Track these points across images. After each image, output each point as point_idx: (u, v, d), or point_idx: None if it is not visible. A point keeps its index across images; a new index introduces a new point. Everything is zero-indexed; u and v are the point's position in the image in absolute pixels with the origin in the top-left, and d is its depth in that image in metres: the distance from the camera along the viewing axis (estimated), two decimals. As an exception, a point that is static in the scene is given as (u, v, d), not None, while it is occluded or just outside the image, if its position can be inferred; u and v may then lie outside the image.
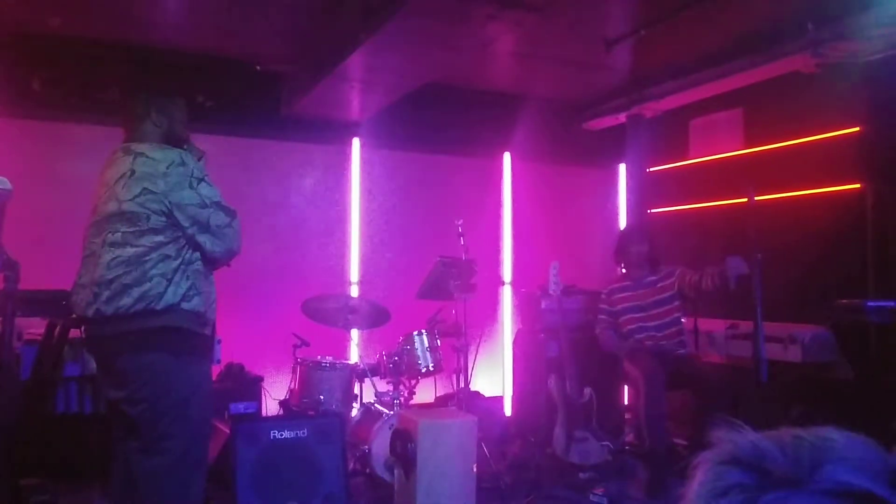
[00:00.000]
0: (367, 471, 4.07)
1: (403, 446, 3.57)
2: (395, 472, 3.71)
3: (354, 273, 5.76)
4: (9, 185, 2.81)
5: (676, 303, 4.58)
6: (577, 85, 5.91)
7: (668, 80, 5.39)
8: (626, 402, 5.47)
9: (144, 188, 2.61)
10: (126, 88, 4.23)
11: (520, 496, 4.01)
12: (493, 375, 6.03)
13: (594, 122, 6.36)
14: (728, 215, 5.29)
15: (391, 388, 4.45)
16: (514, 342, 5.77)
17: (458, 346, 4.41)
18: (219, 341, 4.47)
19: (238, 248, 2.81)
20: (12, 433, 3.18)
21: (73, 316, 2.80)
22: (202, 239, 2.68)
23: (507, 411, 5.80)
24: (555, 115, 6.28)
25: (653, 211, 6.32)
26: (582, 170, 6.67)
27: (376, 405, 4.35)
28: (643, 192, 6.39)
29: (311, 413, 4.15)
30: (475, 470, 3.67)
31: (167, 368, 2.62)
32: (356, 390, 4.59)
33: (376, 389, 4.47)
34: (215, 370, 4.50)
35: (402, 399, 4.38)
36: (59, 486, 3.72)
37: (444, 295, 4.51)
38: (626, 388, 5.34)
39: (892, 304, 3.80)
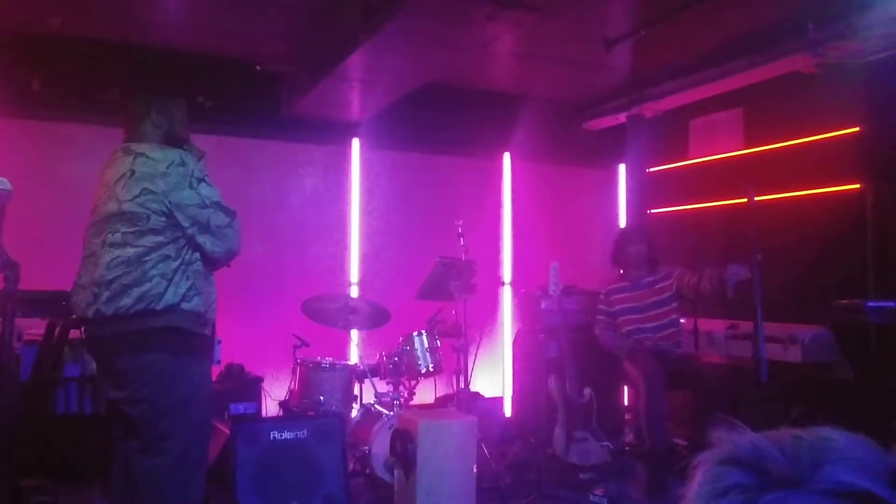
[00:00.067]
0: (367, 471, 4.07)
1: (403, 447, 3.57)
2: (395, 472, 3.71)
3: (354, 273, 5.76)
4: (9, 186, 2.81)
5: (674, 304, 4.58)
6: (577, 85, 5.91)
7: (668, 80, 5.39)
8: (625, 403, 5.47)
9: (144, 188, 2.61)
10: (126, 88, 4.24)
11: (520, 496, 4.01)
12: (493, 376, 6.02)
13: (594, 123, 6.36)
14: (728, 215, 5.29)
15: (391, 388, 4.45)
16: (514, 342, 5.77)
17: (457, 346, 4.41)
18: (219, 342, 4.47)
19: (238, 248, 2.81)
20: (12, 433, 3.19)
21: (73, 316, 2.80)
22: (202, 239, 2.68)
23: (507, 412, 5.80)
24: (555, 116, 6.28)
25: (653, 211, 6.32)
26: (582, 170, 6.67)
27: (376, 406, 4.35)
28: (643, 193, 6.39)
29: (311, 414, 4.15)
30: (475, 470, 3.67)
31: (167, 368, 2.62)
32: (356, 391, 4.58)
33: (376, 390, 4.47)
34: (215, 371, 4.50)
35: (402, 400, 4.38)
36: (60, 486, 3.72)
37: (444, 295, 4.51)
38: (625, 388, 5.34)
39: (892, 304, 3.79)
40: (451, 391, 4.92)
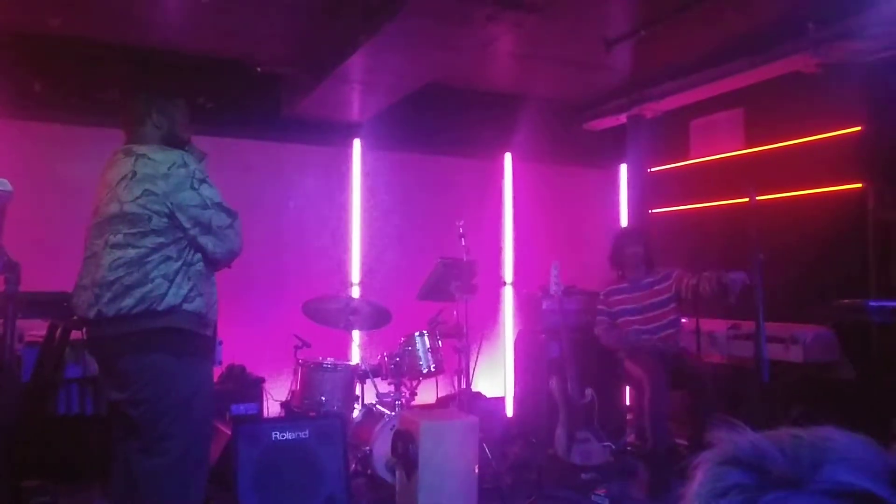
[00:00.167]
0: (369, 472, 4.07)
1: (405, 447, 3.57)
2: (397, 473, 3.71)
3: (355, 274, 5.76)
4: (9, 187, 2.82)
5: (673, 305, 4.58)
6: (577, 85, 5.91)
7: (668, 80, 5.39)
8: (627, 403, 5.46)
9: (146, 189, 2.61)
10: (126, 89, 4.24)
11: (521, 497, 4.01)
12: (495, 376, 6.02)
13: (595, 123, 6.36)
14: (729, 215, 5.29)
15: (392, 389, 4.45)
16: (516, 343, 5.77)
17: (459, 346, 4.40)
18: (220, 343, 4.47)
19: (239, 249, 2.81)
20: (13, 434, 3.19)
21: (75, 317, 2.80)
22: (204, 240, 2.68)
23: (509, 412, 5.79)
24: (555, 116, 6.28)
25: (654, 211, 6.32)
26: (583, 170, 6.67)
27: (377, 406, 4.35)
28: (644, 193, 6.39)
29: (312, 414, 4.15)
30: (476, 471, 3.66)
31: (169, 369, 2.62)
32: (357, 391, 4.58)
33: (377, 390, 4.47)
34: (217, 371, 4.49)
35: (403, 400, 4.38)
36: (60, 487, 3.73)
37: (446, 296, 4.50)
38: (627, 388, 5.33)
39: (893, 303, 3.79)
40: (452, 391, 4.92)
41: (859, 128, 4.64)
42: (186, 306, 2.62)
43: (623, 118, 6.11)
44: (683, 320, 4.68)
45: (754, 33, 4.62)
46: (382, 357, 4.55)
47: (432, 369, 4.48)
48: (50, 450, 3.95)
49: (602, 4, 4.41)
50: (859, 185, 4.64)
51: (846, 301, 3.95)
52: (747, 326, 4.53)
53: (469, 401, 4.43)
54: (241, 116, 5.36)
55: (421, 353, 4.47)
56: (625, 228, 6.07)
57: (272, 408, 4.95)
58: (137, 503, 2.64)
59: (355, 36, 4.09)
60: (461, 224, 4.45)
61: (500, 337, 6.22)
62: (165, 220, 2.61)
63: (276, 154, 5.59)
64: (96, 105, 4.80)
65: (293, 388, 4.46)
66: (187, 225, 2.64)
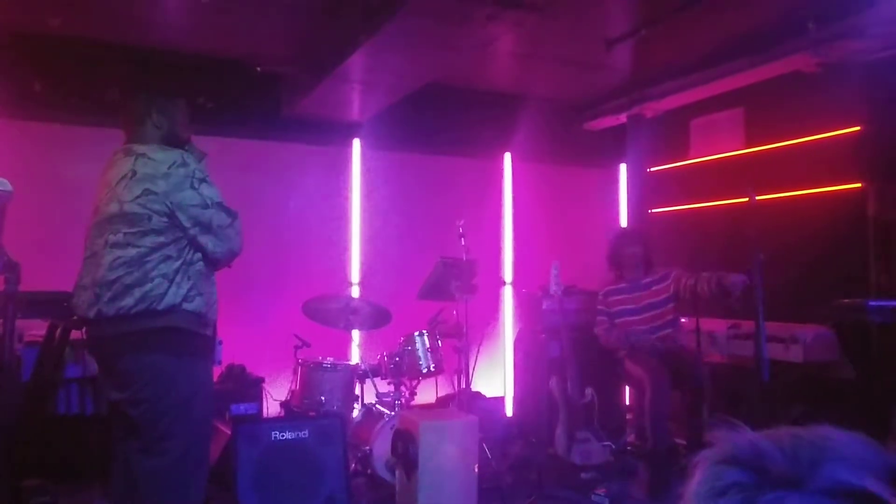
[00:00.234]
0: (369, 471, 4.07)
1: (405, 447, 3.57)
2: (397, 472, 3.71)
3: (355, 274, 5.76)
4: (9, 187, 2.81)
5: (671, 305, 4.58)
6: (577, 85, 5.91)
7: (668, 79, 5.39)
8: (627, 403, 5.46)
9: (146, 189, 2.60)
10: (126, 89, 4.23)
11: (521, 497, 4.01)
12: (495, 376, 6.02)
13: (595, 122, 6.36)
14: (729, 215, 5.29)
15: (392, 388, 4.45)
16: (515, 342, 5.77)
17: (459, 346, 4.41)
18: (220, 342, 4.47)
19: (239, 248, 2.81)
20: (13, 434, 3.19)
21: (75, 317, 2.80)
22: (204, 240, 2.68)
23: (509, 412, 5.80)
24: (555, 116, 6.28)
25: (653, 211, 6.32)
26: (583, 170, 6.67)
27: (377, 406, 4.35)
28: (644, 192, 6.39)
29: (312, 414, 4.15)
30: (476, 470, 3.66)
31: (168, 369, 2.62)
32: (357, 391, 4.58)
33: (377, 390, 4.47)
34: (216, 371, 4.50)
35: (403, 400, 4.38)
36: (60, 486, 3.73)
37: (445, 295, 4.50)
38: (627, 388, 5.33)
39: (893, 303, 3.79)
40: (452, 391, 4.92)
41: (859, 127, 4.64)
42: (186, 305, 2.62)
43: (623, 118, 6.11)
44: (683, 320, 4.68)
45: (754, 33, 4.62)
46: (382, 357, 4.55)
47: (432, 369, 4.48)
48: (50, 450, 3.95)
49: (602, 4, 4.41)
50: (859, 184, 4.64)
51: (846, 301, 3.95)
52: (747, 326, 4.53)
53: (469, 400, 4.43)
54: (241, 116, 5.36)
55: (421, 353, 4.47)
56: (622, 229, 6.07)
57: (272, 407, 4.94)
58: (137, 503, 2.64)
59: (355, 36, 4.09)
60: (461, 224, 4.45)
61: (499, 337, 6.22)
62: (165, 219, 2.61)
63: (276, 154, 5.59)
64: (96, 105, 4.79)
65: (293, 387, 4.46)
66: (187, 224, 2.64)
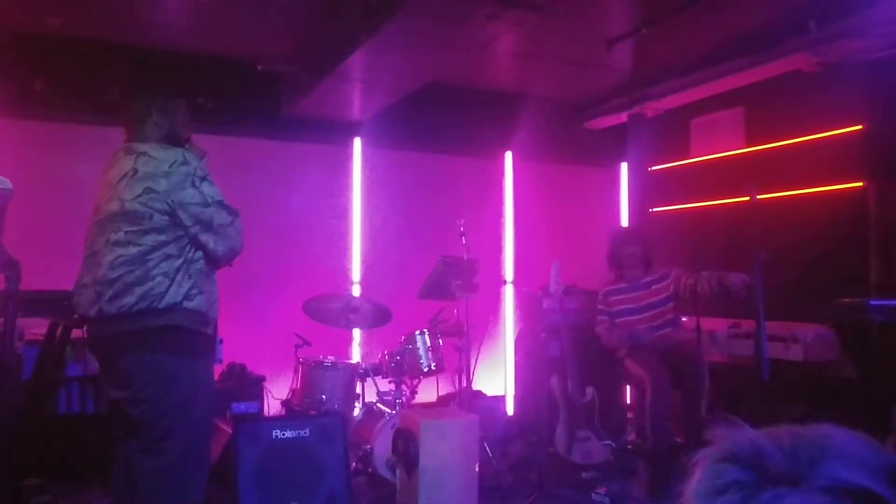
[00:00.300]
0: (369, 470, 4.07)
1: (405, 446, 3.57)
2: (397, 471, 3.71)
3: (356, 273, 5.77)
4: (9, 186, 2.82)
5: (671, 304, 4.58)
6: (578, 84, 5.91)
7: (669, 79, 5.39)
8: (628, 402, 5.46)
9: (147, 187, 2.61)
10: (127, 89, 4.24)
11: (522, 496, 4.01)
12: (495, 375, 6.02)
13: (595, 122, 6.36)
14: (730, 214, 5.28)
15: (393, 387, 4.45)
16: (516, 342, 5.77)
17: (459, 345, 4.41)
18: (220, 341, 4.47)
19: (240, 247, 2.81)
20: (13, 433, 3.19)
21: (76, 316, 2.80)
22: (205, 238, 2.68)
23: (509, 411, 5.80)
24: (556, 115, 6.28)
25: (654, 210, 6.32)
26: (583, 169, 6.67)
27: (378, 405, 4.35)
28: (644, 192, 6.39)
29: (312, 413, 4.16)
30: (477, 469, 3.67)
31: (169, 368, 2.62)
32: (358, 390, 4.58)
33: (378, 389, 4.47)
34: (217, 370, 4.50)
35: (403, 398, 4.38)
36: (60, 486, 3.73)
37: (446, 295, 4.51)
38: (627, 387, 5.33)
39: (894, 303, 3.79)
40: (452, 390, 4.92)
41: (860, 126, 4.64)
42: (187, 304, 2.62)
43: (624, 117, 6.11)
44: (683, 319, 4.68)
45: (755, 32, 4.61)
46: (383, 355, 4.55)
47: (433, 368, 4.48)
48: (50, 449, 3.95)
49: (602, 3, 4.41)
50: (860, 183, 4.63)
51: (847, 300, 3.94)
52: (748, 325, 4.53)
53: (469, 399, 4.44)
54: (241, 115, 5.36)
55: (421, 352, 4.47)
56: (622, 229, 6.07)
57: (273, 406, 4.95)
58: (137, 503, 2.64)
59: (355, 35, 4.09)
60: (462, 223, 4.45)
61: (500, 336, 6.22)
62: (166, 217, 2.61)
63: (277, 153, 5.58)
64: (96, 105, 4.80)
65: (294, 386, 4.47)
66: (188, 223, 2.64)
